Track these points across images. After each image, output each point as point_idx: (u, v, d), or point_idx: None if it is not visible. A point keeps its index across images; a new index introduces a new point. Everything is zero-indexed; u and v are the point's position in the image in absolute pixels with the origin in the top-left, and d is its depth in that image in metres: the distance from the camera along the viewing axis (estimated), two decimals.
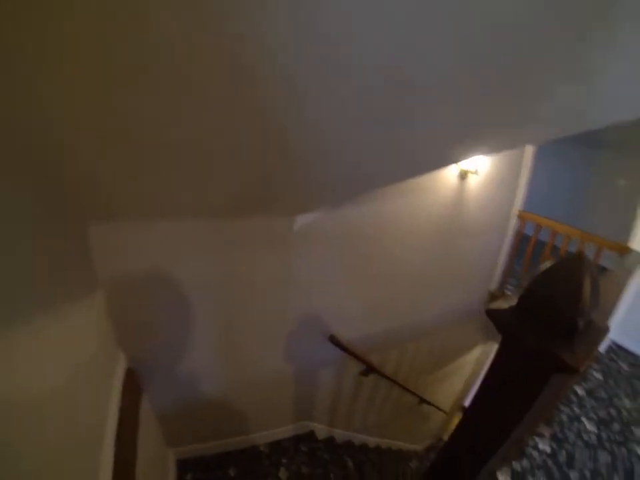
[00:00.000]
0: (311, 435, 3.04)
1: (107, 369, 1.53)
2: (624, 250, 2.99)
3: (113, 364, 1.61)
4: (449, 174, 2.49)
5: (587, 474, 1.99)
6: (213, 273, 1.84)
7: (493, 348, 4.92)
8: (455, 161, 1.56)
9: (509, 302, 0.64)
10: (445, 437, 6.31)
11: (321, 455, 2.89)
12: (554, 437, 2.08)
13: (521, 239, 3.49)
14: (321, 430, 3.18)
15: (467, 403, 6.73)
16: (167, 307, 1.81)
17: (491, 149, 1.70)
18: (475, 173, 2.58)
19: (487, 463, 0.73)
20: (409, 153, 1.40)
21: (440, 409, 5.03)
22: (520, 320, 0.59)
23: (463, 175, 2.54)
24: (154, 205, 1.43)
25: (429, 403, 4.47)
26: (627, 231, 3.25)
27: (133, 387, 1.79)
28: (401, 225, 2.50)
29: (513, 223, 3.45)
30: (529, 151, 3.14)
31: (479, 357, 4.92)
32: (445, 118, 1.16)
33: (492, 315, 0.62)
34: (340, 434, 3.44)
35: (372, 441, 4.08)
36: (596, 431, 2.18)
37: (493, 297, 3.77)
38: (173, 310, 1.83)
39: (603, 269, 3.63)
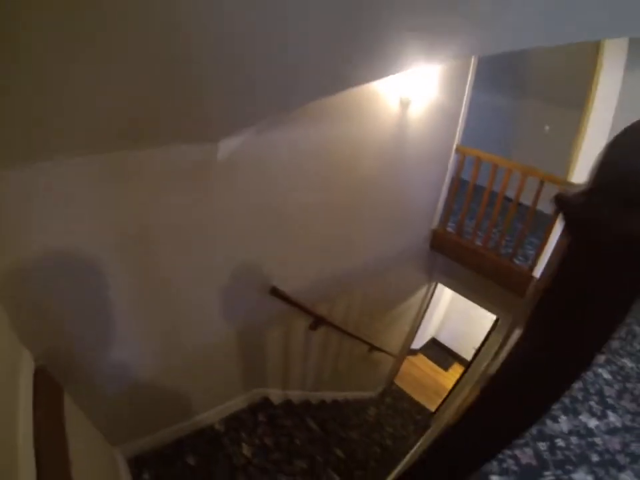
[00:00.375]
0: (266, 402, 2.88)
1: (6, 372, 1.20)
2: (567, 184, 2.98)
3: (14, 365, 1.27)
4: (390, 100, 2.29)
5: (567, 401, 2.04)
6: (120, 224, 1.47)
7: (439, 289, 5.05)
8: (392, 72, 1.30)
9: (575, 189, 0.43)
10: (397, 381, 6.58)
11: (281, 421, 2.75)
12: None
13: (460, 177, 3.44)
14: (276, 395, 3.03)
15: (415, 343, 7.00)
16: (72, 282, 1.44)
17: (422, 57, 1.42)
18: (414, 99, 2.42)
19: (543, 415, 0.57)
20: (338, 58, 1.15)
21: (390, 354, 5.12)
22: (602, 204, 0.39)
23: (405, 103, 2.36)
24: (32, 139, 1.06)
25: (379, 350, 4.51)
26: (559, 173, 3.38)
27: (48, 388, 1.47)
28: (340, 153, 2.24)
29: (453, 157, 3.38)
30: (468, 84, 3.03)
31: (423, 299, 5.01)
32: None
33: (562, 203, 0.42)
34: (296, 395, 3.33)
35: (329, 396, 4.05)
36: None
37: (435, 234, 3.76)
38: (79, 284, 1.47)
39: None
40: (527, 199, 3.19)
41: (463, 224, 3.58)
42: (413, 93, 2.36)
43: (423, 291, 4.85)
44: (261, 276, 2.22)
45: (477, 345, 6.77)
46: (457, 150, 3.36)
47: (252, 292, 2.23)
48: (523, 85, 5.17)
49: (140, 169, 1.39)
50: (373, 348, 4.37)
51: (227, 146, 1.51)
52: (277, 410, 2.87)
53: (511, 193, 3.19)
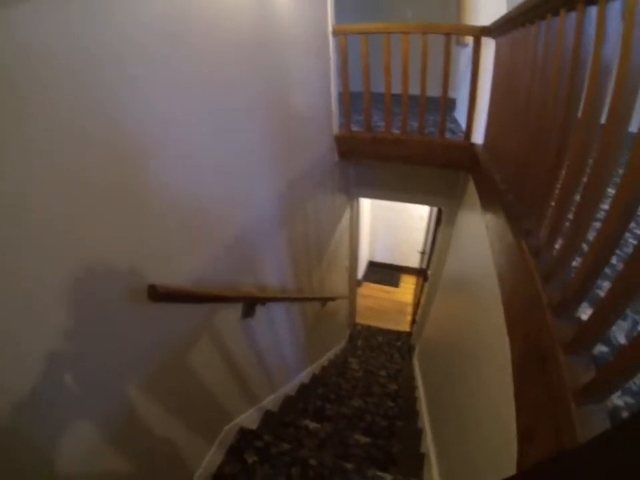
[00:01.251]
0: (245, 435, 2.16)
1: None
2: (479, 31, 2.45)
3: None
4: None
5: None
6: None
7: (360, 204, 4.57)
8: None
9: None
10: (359, 320, 6.20)
11: (275, 449, 2.08)
12: None
13: (347, 62, 2.77)
14: (250, 417, 2.33)
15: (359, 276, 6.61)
16: None
17: None
18: None
19: None
20: None
21: (342, 297, 4.62)
22: None
23: None
24: None
25: (331, 299, 3.96)
26: None
27: None
28: (182, 43, 1.23)
29: (332, 42, 2.70)
30: None
31: (351, 223, 4.51)
32: None
33: None
34: (272, 401, 2.67)
35: (304, 376, 3.47)
36: None
37: (341, 140, 3.12)
38: None
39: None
40: (433, 91, 2.79)
41: (369, 117, 2.99)
42: None
43: (347, 214, 4.33)
44: (120, 278, 1.13)
45: (419, 247, 6.64)
46: (335, 32, 2.68)
47: (115, 312, 1.14)
48: None
49: None
50: (324, 301, 3.80)
51: None
52: (262, 437, 2.17)
53: (414, 90, 2.77)
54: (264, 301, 2.16)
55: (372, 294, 7.14)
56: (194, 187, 1.41)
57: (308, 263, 3.16)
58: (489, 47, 2.49)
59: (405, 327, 6.20)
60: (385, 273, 7.74)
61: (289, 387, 3.08)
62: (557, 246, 1.18)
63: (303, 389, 3.28)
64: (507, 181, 1.80)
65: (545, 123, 1.27)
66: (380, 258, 7.96)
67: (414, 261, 7.09)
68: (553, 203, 1.19)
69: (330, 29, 2.65)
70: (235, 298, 1.87)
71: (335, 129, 3.10)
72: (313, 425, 2.47)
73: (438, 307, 3.92)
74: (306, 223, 2.86)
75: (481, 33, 2.46)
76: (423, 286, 5.14)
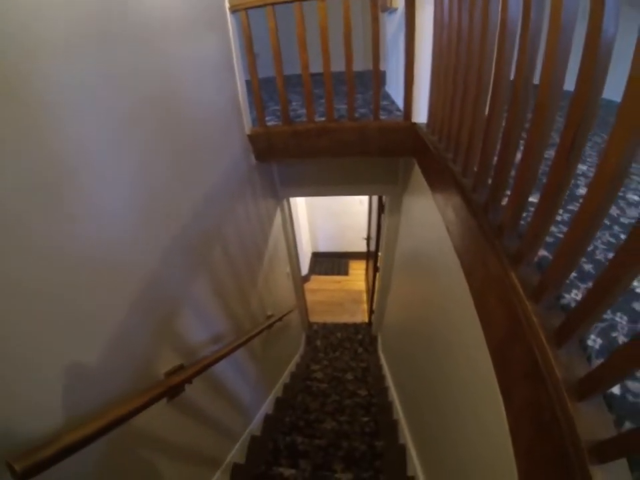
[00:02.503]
0: None
1: None
2: None
3: None
4: None
5: None
6: None
7: (292, 201, 4.28)
8: None
9: None
10: (312, 318, 5.94)
11: None
12: None
13: (252, 45, 2.40)
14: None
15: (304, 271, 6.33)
16: None
17: None
18: None
19: None
20: None
21: (291, 310, 4.30)
22: None
23: None
24: None
25: (278, 320, 3.60)
26: None
27: None
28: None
29: (231, 23, 2.32)
30: None
31: (284, 225, 4.19)
32: None
33: None
34: (238, 449, 2.39)
35: (266, 405, 3.18)
36: None
37: (256, 139, 2.75)
38: None
39: None
40: (356, 66, 2.57)
41: (286, 106, 2.65)
42: None
43: (279, 217, 4.01)
44: None
45: (362, 231, 6.49)
46: (233, 7, 2.30)
47: None
48: None
49: None
50: (270, 326, 3.40)
51: None
52: None
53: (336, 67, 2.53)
54: (191, 378, 1.64)
55: (321, 287, 6.93)
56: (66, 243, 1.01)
57: (242, 291, 2.74)
58: (423, 8, 2.17)
59: (362, 317, 6.05)
60: (332, 262, 7.55)
61: (253, 426, 2.78)
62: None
63: (269, 422, 3.01)
64: (464, 165, 1.55)
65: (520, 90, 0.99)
66: (324, 247, 7.74)
67: (361, 245, 6.92)
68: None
69: (227, 4, 2.28)
70: (151, 401, 1.32)
71: (248, 127, 2.73)
72: (288, 472, 2.20)
73: (396, 295, 3.76)
74: (230, 246, 2.42)
75: None
76: (375, 270, 4.95)
